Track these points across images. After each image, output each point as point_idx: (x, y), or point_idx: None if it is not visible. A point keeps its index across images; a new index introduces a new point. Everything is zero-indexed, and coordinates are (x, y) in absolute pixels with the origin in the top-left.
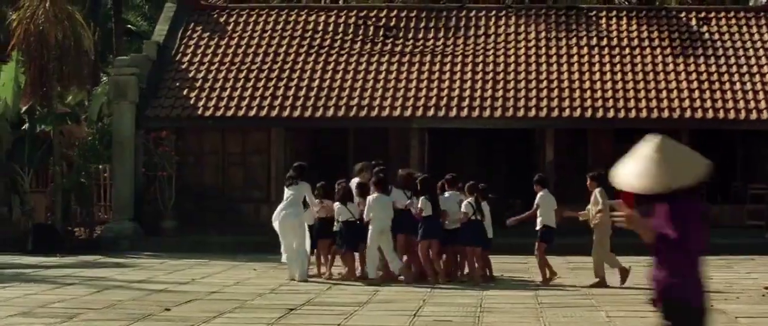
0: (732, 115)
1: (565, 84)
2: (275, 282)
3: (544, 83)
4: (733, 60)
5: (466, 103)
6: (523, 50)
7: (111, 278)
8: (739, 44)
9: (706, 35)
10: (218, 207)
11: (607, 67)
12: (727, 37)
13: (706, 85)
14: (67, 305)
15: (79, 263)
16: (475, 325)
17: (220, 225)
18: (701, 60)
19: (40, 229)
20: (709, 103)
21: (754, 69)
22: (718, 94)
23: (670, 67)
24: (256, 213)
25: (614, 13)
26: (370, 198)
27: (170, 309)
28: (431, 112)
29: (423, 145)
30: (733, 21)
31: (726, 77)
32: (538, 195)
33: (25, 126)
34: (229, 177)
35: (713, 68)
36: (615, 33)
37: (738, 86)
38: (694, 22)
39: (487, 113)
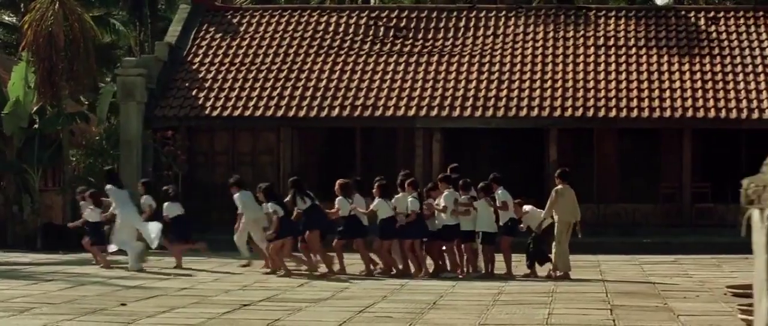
0: (734, 114)
1: (570, 83)
2: (253, 279)
3: (549, 83)
4: (738, 59)
5: (469, 102)
6: (529, 50)
7: (95, 274)
8: (745, 44)
9: (714, 34)
10: (227, 206)
11: (613, 67)
12: (734, 36)
13: (709, 84)
14: (29, 300)
15: (77, 260)
16: (414, 322)
17: (226, 223)
18: (706, 60)
19: (50, 228)
20: (711, 103)
21: (759, 68)
22: (721, 94)
23: (675, 66)
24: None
25: (623, 13)
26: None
27: (126, 304)
28: (435, 112)
29: (429, 145)
30: (742, 20)
31: (730, 77)
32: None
33: (36, 125)
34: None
35: (718, 68)
36: (622, 33)
37: (742, 85)
38: (702, 21)
39: (490, 113)
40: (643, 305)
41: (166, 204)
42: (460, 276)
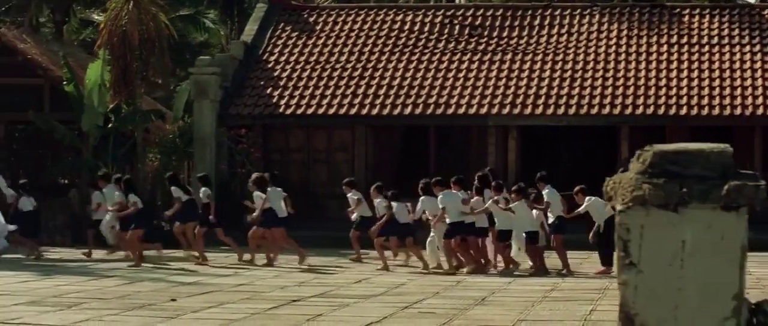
0: None
1: (642, 81)
2: (312, 276)
3: (621, 81)
4: None
5: (541, 100)
6: (603, 48)
7: (154, 271)
8: None
9: None
10: (302, 203)
11: (685, 65)
12: None
13: None
14: (82, 295)
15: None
16: (455, 317)
17: (302, 220)
18: None
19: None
20: None
21: None
22: None
23: (747, 64)
24: (340, 209)
25: (697, 10)
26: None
27: (176, 300)
28: (507, 110)
29: (503, 143)
30: None
31: None
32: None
33: (111, 124)
34: (315, 174)
35: None
36: (696, 30)
37: None
38: None
39: (562, 110)
40: None
41: (21, 198)
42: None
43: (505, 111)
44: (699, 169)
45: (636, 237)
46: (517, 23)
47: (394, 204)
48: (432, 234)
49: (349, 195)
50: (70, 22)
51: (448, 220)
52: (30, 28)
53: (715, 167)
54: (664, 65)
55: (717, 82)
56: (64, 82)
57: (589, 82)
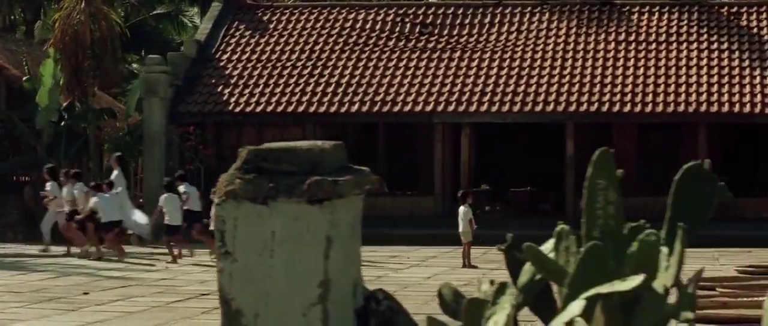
0: (748, 108)
1: (587, 78)
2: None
3: (567, 78)
4: (757, 54)
5: (487, 97)
6: (551, 46)
7: (91, 266)
8: (766, 37)
9: (735, 29)
10: None
11: (632, 62)
12: (755, 30)
13: (725, 79)
14: (1, 289)
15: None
16: None
17: None
18: (725, 54)
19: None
20: (726, 97)
21: None
22: (736, 88)
23: (694, 62)
24: None
25: (647, 8)
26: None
27: (88, 293)
28: (452, 108)
29: (451, 140)
30: (764, 15)
31: (747, 71)
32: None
33: (64, 122)
34: None
35: (736, 62)
36: (644, 28)
37: (758, 80)
38: (724, 15)
39: (506, 108)
40: None
41: None
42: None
43: (451, 108)
44: (287, 166)
45: (231, 229)
46: (467, 21)
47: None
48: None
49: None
50: (44, 21)
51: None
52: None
53: (303, 164)
54: (610, 62)
55: (662, 80)
56: (25, 80)
57: (535, 79)
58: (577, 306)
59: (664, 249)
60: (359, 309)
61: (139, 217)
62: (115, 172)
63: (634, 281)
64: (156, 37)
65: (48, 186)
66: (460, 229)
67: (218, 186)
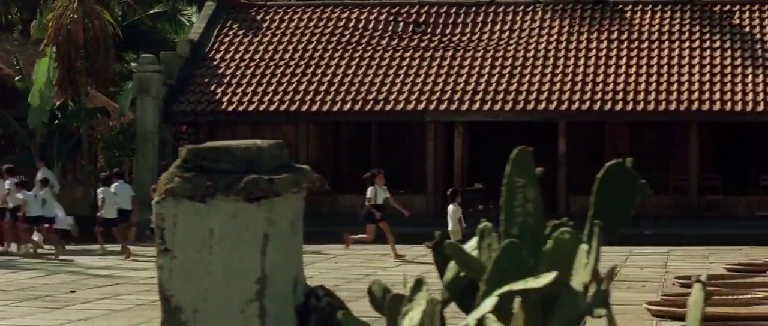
0: (739, 106)
1: (580, 77)
2: None
3: (559, 76)
4: (749, 52)
5: (479, 96)
6: (544, 44)
7: (79, 265)
8: (758, 36)
9: (727, 28)
10: None
11: (624, 60)
12: (747, 28)
13: (718, 77)
14: None
15: (79, 251)
16: None
17: None
18: (718, 52)
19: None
20: (718, 96)
21: None
22: (728, 87)
23: (686, 60)
24: None
25: (640, 6)
26: None
27: (75, 292)
28: (444, 106)
29: (443, 139)
30: (756, 13)
31: (739, 69)
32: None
33: (57, 121)
34: None
35: (728, 60)
36: (637, 26)
37: (749, 78)
38: (717, 12)
39: (498, 106)
40: None
41: None
42: None
43: (444, 107)
44: (225, 164)
45: (170, 226)
46: (460, 20)
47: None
48: None
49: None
50: (39, 20)
51: None
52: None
53: (239, 162)
54: (603, 61)
55: (654, 78)
56: (17, 80)
57: (528, 78)
58: (488, 303)
59: (584, 247)
60: (300, 305)
61: (61, 213)
62: (43, 171)
63: (547, 278)
64: (154, 37)
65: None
66: (449, 228)
67: (159, 185)
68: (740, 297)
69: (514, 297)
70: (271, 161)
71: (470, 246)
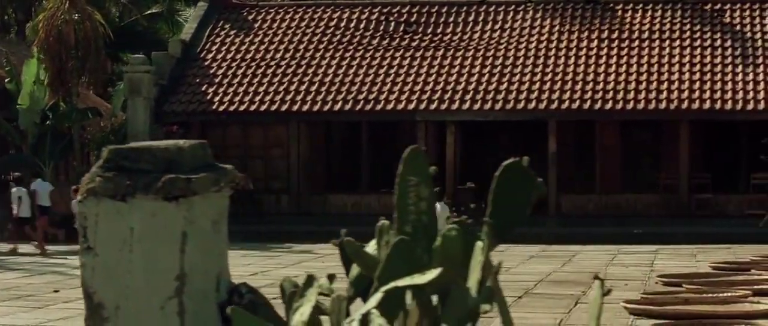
0: (729, 105)
1: (570, 76)
2: None
3: (550, 75)
4: (739, 50)
5: (469, 95)
6: (535, 43)
7: (66, 265)
8: (749, 34)
9: (718, 26)
10: (239, 198)
11: (614, 59)
12: (738, 27)
13: (708, 76)
14: None
15: (68, 251)
16: None
17: (238, 215)
18: (708, 51)
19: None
20: (708, 94)
21: (760, 59)
22: (719, 85)
23: (676, 59)
24: (276, 204)
25: (631, 5)
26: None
27: (58, 291)
28: (435, 106)
29: (434, 138)
30: (747, 12)
31: (729, 68)
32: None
33: (49, 121)
34: (251, 170)
35: (718, 59)
36: (628, 25)
37: (740, 77)
38: (708, 11)
39: (489, 106)
40: (557, 293)
41: None
42: None
43: (434, 106)
44: (145, 164)
45: (92, 225)
46: (451, 19)
47: None
48: None
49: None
50: (33, 21)
51: None
52: None
53: (159, 162)
54: (593, 60)
55: (644, 77)
56: (7, 81)
57: (518, 77)
58: (373, 300)
59: (479, 244)
60: (223, 302)
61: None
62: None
63: (432, 274)
64: (150, 37)
65: None
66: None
67: (81, 184)
68: (719, 295)
69: (406, 293)
70: (192, 161)
71: (372, 244)
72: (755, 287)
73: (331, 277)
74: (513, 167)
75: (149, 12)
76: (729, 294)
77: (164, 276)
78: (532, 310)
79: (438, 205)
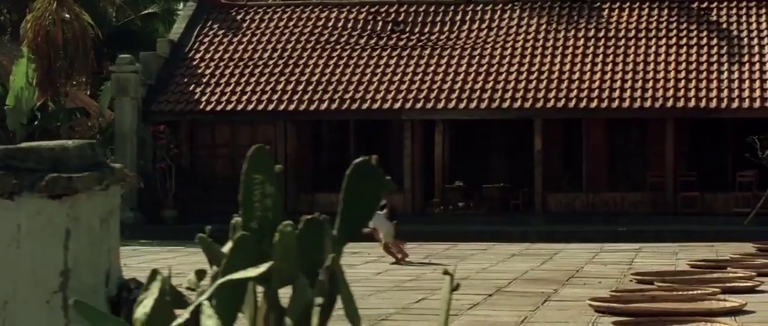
0: (714, 103)
1: (556, 74)
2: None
3: (536, 74)
4: (725, 49)
5: (455, 94)
6: (521, 42)
7: None
8: (734, 32)
9: (705, 25)
10: (227, 198)
11: (600, 58)
12: (724, 25)
13: (694, 74)
14: None
15: None
16: None
17: (227, 215)
18: (694, 49)
19: None
20: (693, 92)
21: (746, 57)
22: (705, 84)
23: (662, 57)
24: None
25: (617, 4)
26: None
27: None
28: (420, 105)
29: (421, 137)
30: (733, 10)
31: (716, 66)
32: None
33: (37, 122)
34: (240, 169)
35: (704, 57)
36: (614, 23)
37: (725, 75)
38: (694, 9)
39: (474, 105)
40: (530, 291)
41: None
42: None
43: (421, 105)
44: (32, 163)
45: None
46: (438, 19)
47: None
48: None
49: None
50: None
51: None
52: None
53: (45, 161)
54: (579, 58)
55: (630, 75)
56: None
57: (504, 76)
58: (206, 294)
59: (327, 240)
60: (113, 297)
61: None
62: None
63: (262, 268)
64: (146, 37)
65: None
66: (381, 233)
67: None
68: (687, 292)
69: (249, 287)
70: (78, 161)
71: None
72: (726, 285)
73: (200, 273)
74: (363, 165)
75: (145, 12)
76: (698, 291)
77: (49, 271)
78: (498, 308)
79: (379, 213)
